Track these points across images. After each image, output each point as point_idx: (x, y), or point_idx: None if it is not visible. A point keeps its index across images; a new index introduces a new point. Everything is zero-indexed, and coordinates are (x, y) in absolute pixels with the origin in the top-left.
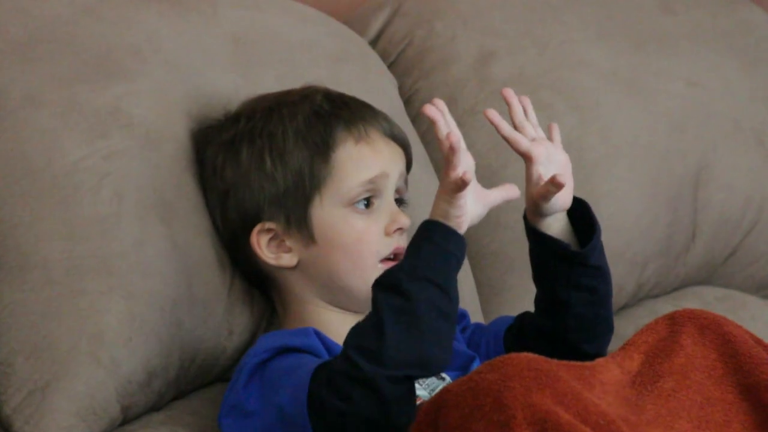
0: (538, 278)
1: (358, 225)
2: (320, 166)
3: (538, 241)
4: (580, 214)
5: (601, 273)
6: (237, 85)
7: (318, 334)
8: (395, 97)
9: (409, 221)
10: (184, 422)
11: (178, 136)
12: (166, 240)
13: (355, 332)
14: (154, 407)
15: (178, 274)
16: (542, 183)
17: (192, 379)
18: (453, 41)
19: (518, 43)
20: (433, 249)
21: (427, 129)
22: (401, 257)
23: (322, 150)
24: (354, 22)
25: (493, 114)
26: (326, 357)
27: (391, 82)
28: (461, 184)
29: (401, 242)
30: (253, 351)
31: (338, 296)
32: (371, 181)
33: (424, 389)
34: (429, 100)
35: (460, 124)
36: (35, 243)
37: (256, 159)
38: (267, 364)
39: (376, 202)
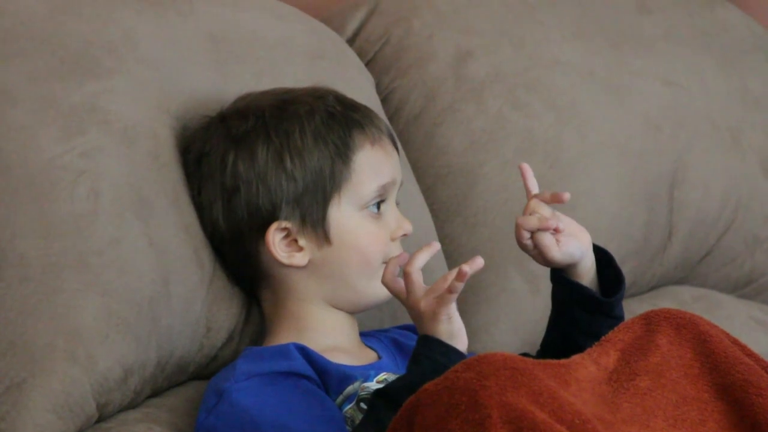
0: (555, 321)
1: (371, 228)
2: (341, 168)
3: (564, 285)
4: (603, 265)
5: (619, 323)
6: (215, 82)
7: (301, 350)
8: (372, 95)
9: (411, 227)
10: (160, 420)
11: (156, 132)
12: (143, 237)
13: None
14: (131, 405)
15: (155, 271)
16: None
17: (168, 376)
18: (430, 40)
19: (495, 42)
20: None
21: (404, 127)
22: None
23: (343, 152)
24: (331, 19)
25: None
26: (311, 374)
27: (368, 80)
28: (449, 296)
29: (401, 247)
30: (233, 375)
31: (342, 296)
32: (384, 187)
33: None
34: (406, 98)
35: (438, 123)
36: (11, 240)
37: (274, 157)
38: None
39: (382, 207)
